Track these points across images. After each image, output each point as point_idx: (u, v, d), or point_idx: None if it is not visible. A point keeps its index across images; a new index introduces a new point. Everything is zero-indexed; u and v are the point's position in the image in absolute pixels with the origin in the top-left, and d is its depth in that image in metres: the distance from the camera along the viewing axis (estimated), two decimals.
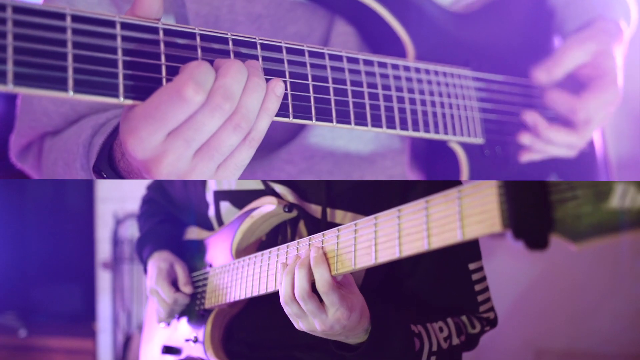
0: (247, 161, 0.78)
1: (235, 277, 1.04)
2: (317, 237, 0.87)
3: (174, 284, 1.17)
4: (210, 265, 1.15)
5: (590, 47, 1.11)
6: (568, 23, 1.19)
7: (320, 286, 0.82)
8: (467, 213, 0.66)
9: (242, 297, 1.01)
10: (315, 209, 1.02)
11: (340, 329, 0.84)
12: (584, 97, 1.09)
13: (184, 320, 1.18)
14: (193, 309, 1.16)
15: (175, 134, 0.72)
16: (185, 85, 0.69)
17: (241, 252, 1.07)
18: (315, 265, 0.83)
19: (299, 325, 0.87)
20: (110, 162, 0.89)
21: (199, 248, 1.21)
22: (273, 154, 1.07)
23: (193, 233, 1.26)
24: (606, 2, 1.19)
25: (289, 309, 0.86)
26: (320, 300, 0.84)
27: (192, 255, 1.22)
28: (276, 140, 1.08)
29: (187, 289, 1.16)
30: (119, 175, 0.88)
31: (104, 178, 0.88)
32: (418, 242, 0.72)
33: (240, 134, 0.75)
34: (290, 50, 0.85)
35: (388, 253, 0.76)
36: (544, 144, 1.11)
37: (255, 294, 0.97)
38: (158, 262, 1.20)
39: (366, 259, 0.79)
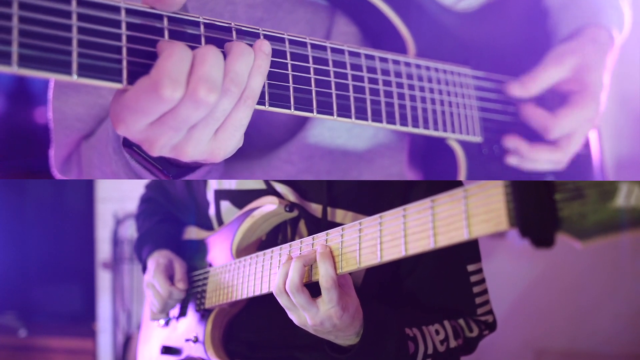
0: (246, 121, 0.77)
1: (236, 277, 1.04)
2: (321, 236, 0.87)
3: (171, 279, 1.17)
4: (210, 265, 1.15)
5: (571, 62, 1.11)
6: (561, 28, 1.19)
7: (324, 281, 0.82)
8: (473, 212, 0.67)
9: (243, 296, 1.01)
10: (316, 208, 1.02)
11: (330, 327, 0.85)
12: (559, 115, 1.10)
13: (183, 320, 1.18)
14: (193, 309, 1.17)
15: (162, 122, 0.72)
16: (161, 84, 0.68)
17: (241, 251, 1.07)
18: (321, 260, 0.83)
19: (291, 317, 0.88)
20: None
21: (199, 248, 1.21)
22: (272, 153, 1.07)
23: (192, 233, 1.27)
24: (599, 8, 1.19)
25: (280, 300, 0.87)
26: (313, 295, 0.84)
27: (192, 255, 1.22)
28: (275, 140, 1.08)
29: (181, 284, 1.15)
30: None
31: (136, 153, 0.86)
32: (424, 241, 0.72)
33: (232, 98, 0.74)
34: (292, 42, 0.85)
35: (394, 251, 0.76)
36: (530, 162, 1.12)
37: (256, 293, 0.97)
38: (157, 258, 1.20)
39: (371, 258, 0.79)
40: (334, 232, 0.86)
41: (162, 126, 0.73)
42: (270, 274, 0.95)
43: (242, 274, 1.02)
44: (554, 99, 1.14)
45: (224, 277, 1.08)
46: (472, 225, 0.66)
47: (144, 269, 1.24)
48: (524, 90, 1.10)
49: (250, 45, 0.78)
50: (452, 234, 0.69)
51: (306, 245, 0.89)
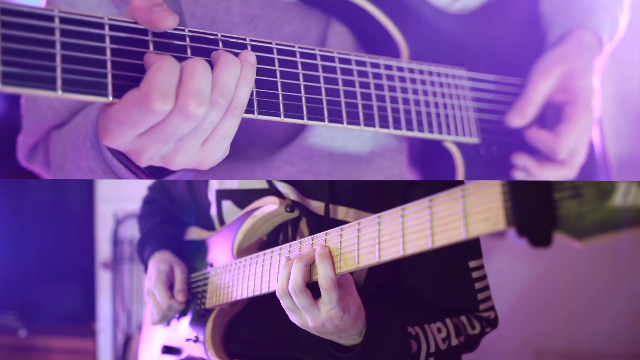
0: (233, 131, 0.78)
1: (237, 277, 1.04)
2: (320, 236, 0.87)
3: (172, 288, 1.18)
4: (212, 265, 1.16)
5: (557, 71, 1.12)
6: (551, 32, 1.20)
7: (323, 282, 0.82)
8: (471, 211, 0.67)
9: (243, 296, 1.01)
10: (318, 206, 1.02)
11: (332, 328, 0.85)
12: (560, 134, 1.11)
13: (184, 319, 1.19)
14: (194, 309, 1.17)
15: (149, 134, 0.73)
16: (152, 98, 0.69)
17: (242, 251, 1.08)
18: (320, 260, 0.83)
19: (293, 318, 0.88)
20: None
21: (200, 248, 1.21)
22: (272, 154, 1.08)
23: (194, 233, 1.27)
24: (589, 12, 1.19)
25: (282, 302, 0.87)
26: (315, 296, 0.84)
27: (193, 256, 1.23)
28: (275, 141, 1.08)
29: (180, 296, 1.16)
30: None
31: (118, 151, 0.86)
32: (422, 240, 0.72)
33: (219, 110, 0.75)
34: (281, 51, 0.85)
35: (392, 251, 0.77)
36: (538, 178, 1.13)
37: (256, 293, 0.98)
38: (158, 263, 1.20)
39: (370, 257, 0.79)
40: (333, 232, 0.86)
41: (150, 138, 0.73)
42: (270, 274, 0.95)
43: (243, 274, 1.02)
44: (550, 110, 1.15)
45: (225, 277, 1.08)
46: (470, 225, 0.67)
47: (147, 269, 1.24)
48: (524, 117, 1.11)
49: (237, 55, 0.78)
50: (449, 234, 0.69)
51: (305, 245, 0.89)
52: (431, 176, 1.09)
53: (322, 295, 0.83)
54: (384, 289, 1.03)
